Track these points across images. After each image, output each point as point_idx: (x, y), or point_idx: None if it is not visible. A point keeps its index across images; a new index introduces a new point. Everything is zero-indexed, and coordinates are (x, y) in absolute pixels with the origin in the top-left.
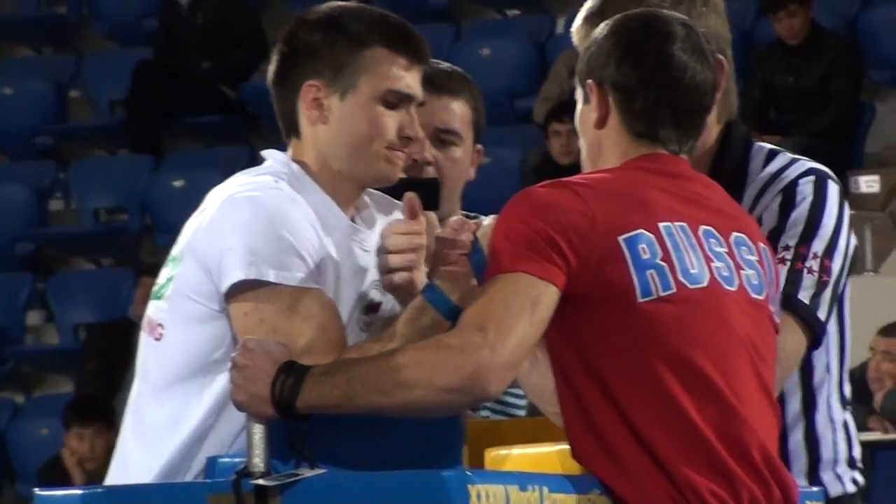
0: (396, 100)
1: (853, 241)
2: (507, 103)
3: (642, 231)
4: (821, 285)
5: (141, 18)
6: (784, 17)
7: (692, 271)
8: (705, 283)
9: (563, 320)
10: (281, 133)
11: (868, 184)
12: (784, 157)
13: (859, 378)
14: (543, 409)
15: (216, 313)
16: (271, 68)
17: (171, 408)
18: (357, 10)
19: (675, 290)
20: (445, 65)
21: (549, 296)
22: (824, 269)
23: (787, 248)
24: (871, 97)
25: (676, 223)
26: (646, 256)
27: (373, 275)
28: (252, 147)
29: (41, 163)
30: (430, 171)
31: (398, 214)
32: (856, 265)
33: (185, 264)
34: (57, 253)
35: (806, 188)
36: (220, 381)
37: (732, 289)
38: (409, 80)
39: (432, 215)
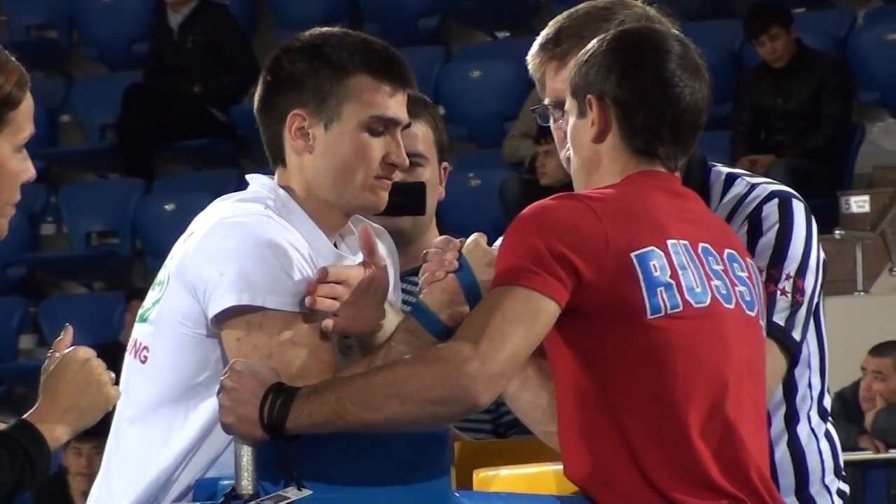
0: (382, 126)
1: (822, 255)
2: (498, 125)
3: (653, 248)
4: (795, 306)
5: (131, 42)
6: (766, 41)
7: (696, 290)
8: (707, 303)
9: (570, 334)
10: None
11: (858, 204)
12: (742, 181)
13: (850, 397)
14: (534, 429)
15: (202, 337)
16: (256, 97)
17: (156, 431)
18: (340, 36)
19: (682, 308)
20: None
21: (547, 311)
22: (797, 290)
23: (759, 271)
24: (861, 118)
25: (680, 241)
26: (656, 274)
27: None
28: (242, 170)
29: (33, 186)
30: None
31: (383, 241)
32: (845, 285)
33: (173, 288)
34: (49, 277)
35: (771, 212)
36: (205, 405)
37: (730, 307)
38: (394, 105)
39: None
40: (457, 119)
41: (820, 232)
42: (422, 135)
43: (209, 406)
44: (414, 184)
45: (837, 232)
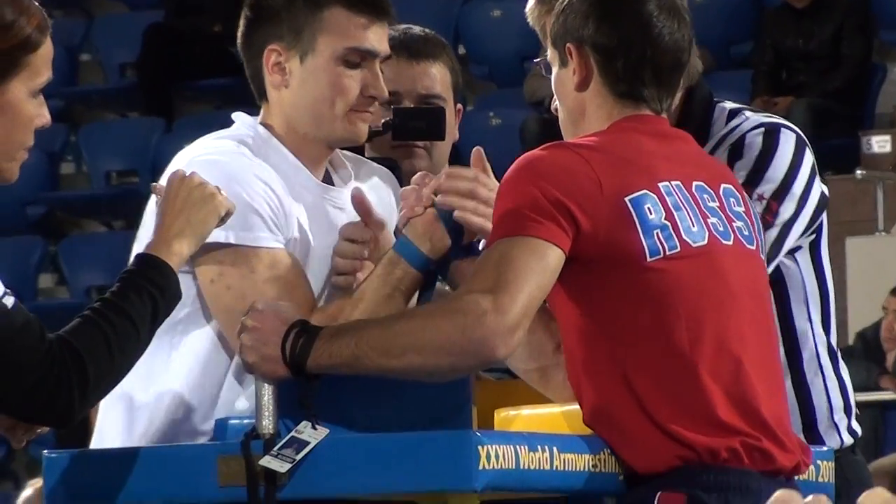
0: (358, 58)
1: (820, 188)
2: (518, 65)
3: (646, 191)
4: (763, 225)
5: None
6: None
7: (693, 230)
8: (705, 242)
9: (572, 283)
10: None
11: (879, 144)
12: (742, 115)
13: (872, 337)
14: (514, 368)
15: (179, 273)
16: (238, 34)
17: (139, 369)
18: None
19: (679, 248)
20: (418, 29)
21: (555, 259)
22: (769, 210)
23: None
24: (882, 58)
25: (673, 182)
26: (652, 217)
27: None
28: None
29: (52, 125)
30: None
31: (376, 177)
32: (866, 225)
33: (148, 225)
34: (68, 216)
35: (755, 140)
36: (188, 344)
37: (728, 243)
38: (371, 36)
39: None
40: (477, 59)
41: (841, 172)
42: (440, 76)
43: (193, 344)
44: (432, 108)
45: (858, 172)
